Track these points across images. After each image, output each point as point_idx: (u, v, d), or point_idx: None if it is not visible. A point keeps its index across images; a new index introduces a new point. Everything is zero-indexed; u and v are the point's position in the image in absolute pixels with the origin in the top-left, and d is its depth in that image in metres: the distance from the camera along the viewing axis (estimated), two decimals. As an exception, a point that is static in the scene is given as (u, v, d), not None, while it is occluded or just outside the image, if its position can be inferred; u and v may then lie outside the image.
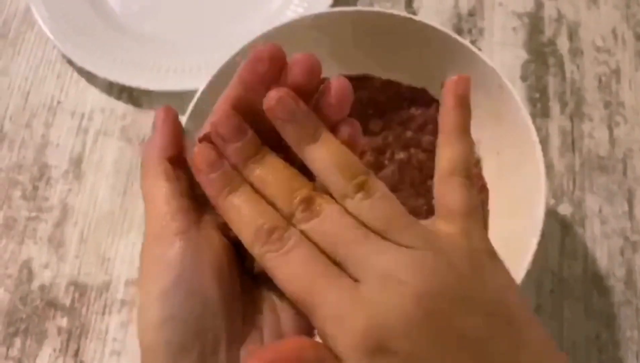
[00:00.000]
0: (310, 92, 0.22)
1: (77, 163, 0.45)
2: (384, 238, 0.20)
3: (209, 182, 0.21)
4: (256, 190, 0.21)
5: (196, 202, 0.22)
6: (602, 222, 0.42)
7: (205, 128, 0.22)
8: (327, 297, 0.19)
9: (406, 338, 0.18)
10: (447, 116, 0.23)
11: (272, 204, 0.21)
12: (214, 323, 0.21)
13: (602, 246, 0.42)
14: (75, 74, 0.47)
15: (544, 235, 0.32)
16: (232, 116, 0.21)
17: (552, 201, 0.43)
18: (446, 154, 0.22)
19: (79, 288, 0.41)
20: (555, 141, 0.44)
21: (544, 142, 0.44)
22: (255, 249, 0.20)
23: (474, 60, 0.36)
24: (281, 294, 0.21)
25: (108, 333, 0.40)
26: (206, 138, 0.22)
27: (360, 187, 0.20)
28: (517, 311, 0.20)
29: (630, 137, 0.44)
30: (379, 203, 0.20)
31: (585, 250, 0.42)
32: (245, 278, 0.23)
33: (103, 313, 0.40)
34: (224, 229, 0.22)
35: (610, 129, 0.45)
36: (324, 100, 0.22)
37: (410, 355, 0.18)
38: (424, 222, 0.22)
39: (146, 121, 0.46)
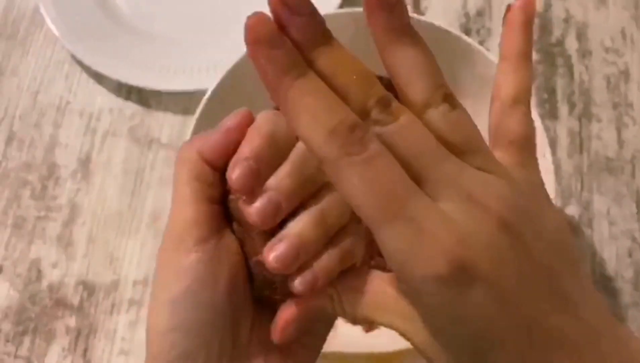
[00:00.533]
0: None
1: (85, 162, 0.45)
2: (461, 156, 0.18)
3: (271, 59, 0.17)
4: (325, 80, 0.18)
5: (222, 212, 0.21)
6: (610, 223, 0.42)
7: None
8: (408, 212, 0.17)
9: (491, 264, 0.17)
10: (512, 40, 0.21)
11: (344, 98, 0.18)
12: (222, 334, 0.20)
13: (610, 247, 0.42)
14: (84, 75, 0.47)
15: None
16: None
17: (560, 202, 0.43)
18: (511, 81, 0.20)
19: (88, 288, 0.41)
20: (563, 142, 0.44)
21: (552, 143, 0.44)
22: (330, 149, 0.17)
23: (482, 61, 0.36)
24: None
25: (116, 333, 0.40)
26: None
27: (447, 98, 0.19)
28: (574, 251, 0.20)
29: (639, 138, 0.44)
30: (463, 120, 0.19)
31: (593, 252, 0.42)
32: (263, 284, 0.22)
33: (111, 313, 0.41)
34: (242, 243, 0.21)
35: (619, 130, 0.45)
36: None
37: (493, 282, 0.17)
38: None
39: (155, 121, 0.46)
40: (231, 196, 0.21)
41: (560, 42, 0.47)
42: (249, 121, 0.21)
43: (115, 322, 0.40)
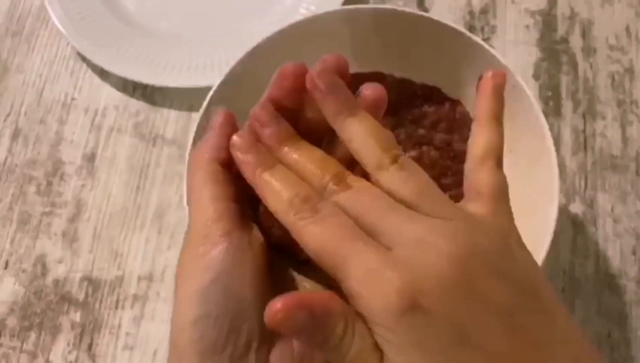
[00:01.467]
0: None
1: (90, 159, 0.45)
2: (414, 208, 0.20)
3: (245, 161, 0.22)
4: (291, 170, 0.22)
5: (242, 206, 0.23)
6: (614, 221, 0.42)
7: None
8: (360, 256, 0.19)
9: (440, 298, 0.18)
10: (483, 104, 0.24)
11: (306, 181, 0.22)
12: (248, 324, 0.21)
13: (614, 245, 0.42)
14: (89, 71, 0.48)
15: (556, 234, 0.32)
16: (270, 106, 0.23)
17: (564, 200, 0.43)
18: (479, 141, 0.23)
19: (93, 283, 0.42)
20: (567, 139, 0.44)
21: (556, 141, 0.44)
22: (289, 217, 0.21)
23: (487, 58, 0.36)
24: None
25: (121, 328, 0.40)
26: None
27: (395, 159, 0.21)
28: (545, 291, 0.21)
29: (644, 136, 0.44)
30: (413, 176, 0.21)
31: (597, 249, 0.42)
32: (283, 282, 0.23)
33: (116, 308, 0.41)
34: (266, 234, 0.23)
35: (623, 127, 0.45)
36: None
37: (443, 315, 0.18)
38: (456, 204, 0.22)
39: (159, 118, 0.46)
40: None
41: (565, 40, 0.47)
42: (231, 116, 0.24)
43: (120, 317, 0.41)
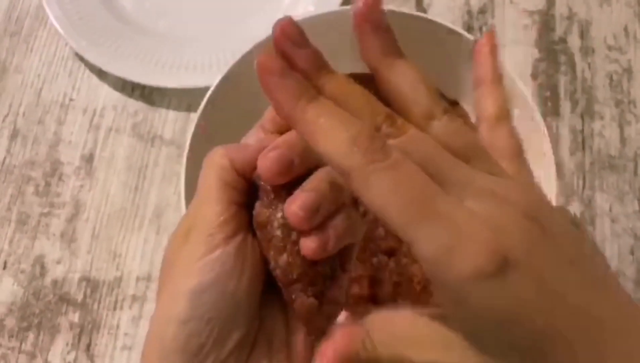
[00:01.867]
0: None
1: (89, 159, 0.45)
2: (468, 163, 0.19)
3: (282, 88, 0.18)
4: (335, 103, 0.19)
5: (248, 212, 0.22)
6: (612, 221, 0.42)
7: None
8: (440, 212, 0.17)
9: (529, 253, 0.17)
10: (483, 65, 0.24)
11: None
12: (238, 331, 0.21)
13: (613, 245, 0.42)
14: (87, 71, 0.48)
15: None
16: (297, 25, 0.20)
17: (562, 200, 0.43)
18: (491, 101, 0.23)
19: (91, 284, 0.42)
20: (565, 139, 0.44)
21: (555, 140, 0.44)
22: (354, 159, 0.17)
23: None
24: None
25: (119, 328, 0.40)
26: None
27: (446, 111, 0.20)
28: (590, 245, 0.21)
29: (642, 136, 0.44)
30: (464, 129, 0.20)
31: (595, 249, 0.42)
32: (268, 289, 0.23)
33: (114, 309, 0.41)
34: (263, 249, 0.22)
35: (621, 127, 0.45)
36: None
37: (535, 271, 0.17)
38: None
39: (158, 118, 0.46)
40: (258, 202, 0.22)
41: (563, 40, 0.47)
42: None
43: (118, 318, 0.41)
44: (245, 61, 0.37)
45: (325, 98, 0.19)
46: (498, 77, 0.24)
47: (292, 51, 0.20)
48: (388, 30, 0.21)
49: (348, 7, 0.38)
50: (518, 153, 0.22)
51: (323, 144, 0.18)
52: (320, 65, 0.20)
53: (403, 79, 0.20)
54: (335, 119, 0.18)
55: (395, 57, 0.20)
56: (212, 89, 0.37)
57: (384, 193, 0.17)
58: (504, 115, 0.23)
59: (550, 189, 0.33)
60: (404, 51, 0.41)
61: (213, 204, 0.21)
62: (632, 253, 0.42)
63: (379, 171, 0.17)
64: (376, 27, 0.20)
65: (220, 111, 0.37)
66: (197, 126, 0.36)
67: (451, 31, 0.36)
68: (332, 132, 0.18)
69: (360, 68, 0.38)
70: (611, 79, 0.46)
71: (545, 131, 0.34)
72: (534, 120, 0.35)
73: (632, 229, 0.42)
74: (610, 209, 0.43)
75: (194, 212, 0.22)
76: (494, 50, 0.24)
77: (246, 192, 0.22)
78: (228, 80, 0.37)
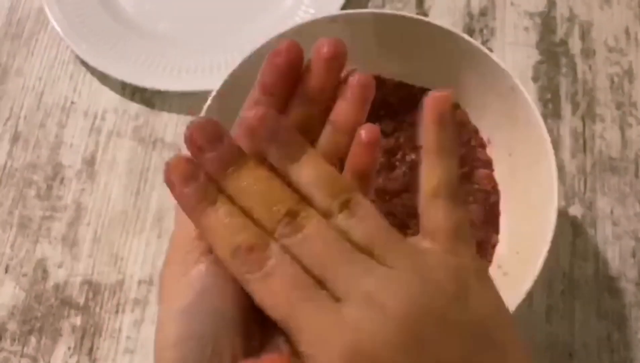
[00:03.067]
0: (334, 78, 0.22)
1: (90, 162, 0.45)
2: (370, 255, 0.20)
3: (183, 197, 0.21)
4: (235, 202, 0.21)
5: None
6: (613, 223, 0.42)
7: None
8: (308, 320, 0.19)
9: (382, 359, 0.18)
10: (427, 135, 0.22)
11: (251, 217, 0.20)
12: (232, 342, 0.21)
13: (614, 247, 0.42)
14: (89, 75, 0.48)
15: (555, 236, 0.33)
16: (208, 122, 0.21)
17: (563, 203, 0.43)
18: (428, 175, 0.22)
19: (93, 287, 0.42)
20: (566, 142, 0.45)
21: (556, 143, 0.44)
22: (234, 269, 0.20)
23: (486, 62, 0.36)
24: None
25: (121, 332, 0.41)
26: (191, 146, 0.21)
27: (345, 205, 0.20)
28: (500, 331, 0.21)
29: (643, 138, 0.45)
30: (363, 222, 0.20)
31: (596, 251, 0.42)
32: None
33: (116, 312, 0.41)
34: None
35: (622, 130, 0.45)
36: (343, 99, 0.22)
37: None
38: (411, 239, 0.22)
39: (159, 121, 0.46)
40: None
41: (564, 42, 0.47)
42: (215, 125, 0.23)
43: (121, 321, 0.41)
44: (246, 64, 0.37)
45: (224, 200, 0.20)
46: (444, 149, 0.22)
47: (197, 156, 0.21)
48: (283, 135, 0.21)
49: (349, 11, 0.38)
50: (452, 232, 0.21)
51: (215, 249, 0.20)
52: (224, 165, 0.21)
53: (302, 181, 0.21)
54: (224, 227, 0.20)
55: (292, 160, 0.21)
56: (213, 93, 0.37)
57: (258, 297, 0.20)
58: (441, 192, 0.22)
59: (551, 193, 0.33)
60: (405, 55, 0.41)
61: (185, 222, 0.21)
62: (633, 255, 0.42)
63: (251, 282, 0.20)
64: (271, 136, 0.21)
65: (222, 115, 0.37)
66: None
67: (451, 35, 0.36)
68: (220, 241, 0.20)
69: (361, 71, 0.38)
70: (612, 81, 0.46)
71: (546, 134, 0.34)
72: (534, 123, 0.35)
73: (633, 231, 0.42)
74: (612, 212, 0.43)
75: (173, 233, 0.22)
76: (443, 117, 0.22)
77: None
78: (230, 84, 0.37)
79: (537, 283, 0.32)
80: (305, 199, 0.21)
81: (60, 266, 0.42)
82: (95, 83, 0.47)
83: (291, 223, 0.20)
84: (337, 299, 0.19)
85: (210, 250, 0.21)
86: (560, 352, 0.39)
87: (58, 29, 0.47)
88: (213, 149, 0.21)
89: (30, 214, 0.44)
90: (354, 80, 0.23)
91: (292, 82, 0.22)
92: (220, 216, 0.20)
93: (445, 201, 0.22)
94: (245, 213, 0.20)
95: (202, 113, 0.37)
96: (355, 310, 0.19)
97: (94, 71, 0.47)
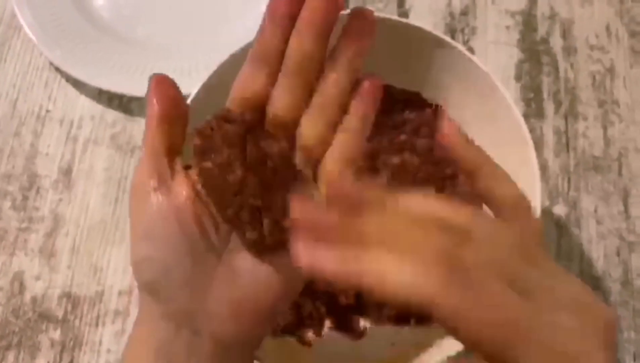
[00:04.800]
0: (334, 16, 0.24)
1: (67, 172, 0.44)
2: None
3: (332, 258, 0.19)
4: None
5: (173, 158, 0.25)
6: (597, 222, 0.43)
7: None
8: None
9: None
10: (470, 159, 0.26)
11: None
12: (192, 244, 0.24)
13: (598, 246, 0.42)
14: (64, 81, 0.47)
15: None
16: (344, 192, 0.21)
17: (547, 202, 0.43)
18: (507, 188, 0.25)
19: (72, 300, 0.41)
20: (549, 141, 0.45)
21: (539, 142, 0.44)
22: (438, 292, 0.18)
23: (465, 63, 0.36)
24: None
25: (102, 345, 0.40)
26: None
27: (467, 237, 0.20)
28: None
29: (625, 136, 0.45)
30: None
31: (581, 251, 0.42)
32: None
33: (96, 325, 0.40)
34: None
35: (605, 128, 0.45)
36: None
37: None
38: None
39: (137, 128, 0.45)
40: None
41: (545, 40, 0.47)
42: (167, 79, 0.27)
43: (101, 334, 0.40)
44: (226, 66, 0.36)
45: (371, 240, 0.19)
46: (487, 161, 0.26)
47: (334, 203, 0.21)
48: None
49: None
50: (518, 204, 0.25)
51: (391, 288, 0.18)
52: (356, 211, 0.20)
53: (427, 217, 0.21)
54: (397, 255, 0.18)
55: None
56: (192, 95, 0.36)
57: (479, 331, 0.18)
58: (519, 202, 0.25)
59: (534, 196, 0.33)
60: (385, 57, 0.41)
61: (144, 159, 0.25)
62: (618, 254, 0.42)
63: (471, 310, 0.18)
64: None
65: (203, 117, 0.36)
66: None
67: (433, 36, 0.36)
68: (400, 267, 0.18)
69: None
70: (594, 79, 0.46)
71: (529, 136, 0.34)
72: (516, 125, 0.35)
73: (617, 230, 0.42)
74: (596, 211, 0.43)
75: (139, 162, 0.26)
76: (462, 141, 0.25)
77: (178, 133, 0.26)
78: (210, 86, 0.36)
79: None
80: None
81: (38, 278, 0.42)
82: (71, 90, 0.47)
83: (456, 235, 0.20)
84: (528, 294, 0.20)
85: (156, 187, 0.24)
86: (546, 353, 0.39)
87: (31, 34, 0.46)
88: (357, 214, 0.20)
89: (6, 226, 0.43)
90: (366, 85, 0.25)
91: (296, 14, 0.24)
92: (383, 247, 0.19)
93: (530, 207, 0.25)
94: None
95: None
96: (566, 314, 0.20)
97: (69, 78, 0.47)
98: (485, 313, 0.18)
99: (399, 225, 0.20)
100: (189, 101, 0.36)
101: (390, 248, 0.19)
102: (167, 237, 0.24)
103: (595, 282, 0.41)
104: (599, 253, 0.42)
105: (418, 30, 0.36)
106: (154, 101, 0.27)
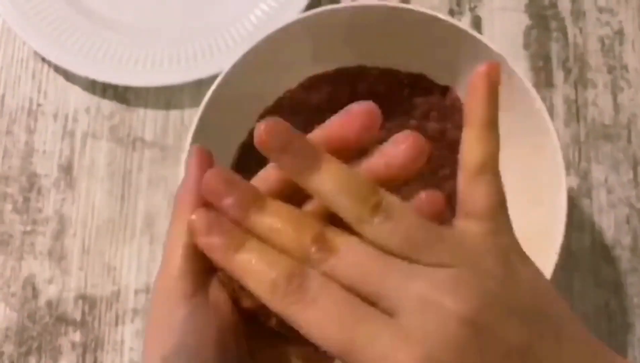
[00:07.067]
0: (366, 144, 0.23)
1: (67, 169, 0.45)
2: (411, 261, 0.20)
3: (211, 246, 0.22)
4: (263, 241, 0.22)
5: (209, 262, 0.23)
6: (608, 191, 0.45)
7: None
8: (369, 342, 0.19)
9: (457, 360, 0.19)
10: (478, 108, 0.22)
11: (283, 252, 0.21)
12: None
13: (609, 216, 0.45)
14: (52, 72, 0.47)
15: None
16: (219, 171, 0.22)
17: (558, 174, 0.45)
18: (476, 150, 0.22)
19: (88, 301, 0.43)
20: (560, 111, 0.47)
21: (549, 113, 0.45)
22: (276, 304, 0.20)
23: (477, 45, 0.37)
24: (305, 348, 0.22)
25: (124, 344, 0.42)
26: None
27: (376, 209, 0.21)
28: (551, 304, 0.21)
29: (634, 101, 0.47)
30: (400, 224, 0.21)
31: (592, 221, 0.45)
32: (267, 337, 0.24)
33: (116, 324, 0.43)
34: (233, 293, 0.23)
35: (614, 95, 0.47)
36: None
37: None
38: (450, 228, 0.22)
39: (136, 118, 0.46)
40: None
41: (554, 4, 0.48)
42: (207, 156, 0.24)
43: (122, 333, 0.43)
44: (242, 63, 0.37)
45: (252, 240, 0.22)
46: (492, 122, 0.22)
47: (217, 204, 0.22)
48: (295, 145, 0.21)
49: (331, 6, 0.39)
50: (496, 210, 0.22)
51: (253, 289, 0.21)
52: (248, 204, 0.22)
53: (324, 192, 0.21)
54: (257, 264, 0.21)
55: (310, 171, 0.21)
56: (196, 120, 0.36)
57: (312, 330, 0.20)
58: (488, 167, 0.22)
59: (559, 179, 0.34)
60: (389, 43, 0.41)
61: (173, 256, 0.23)
62: (627, 222, 0.45)
63: (300, 312, 0.20)
64: (283, 146, 0.21)
65: (223, 107, 0.37)
66: (196, 132, 0.36)
67: (435, 19, 0.37)
68: (256, 280, 0.21)
69: (347, 62, 0.40)
70: (603, 43, 0.48)
71: (550, 121, 0.36)
72: (536, 109, 0.36)
73: (627, 198, 0.45)
74: (606, 180, 0.46)
75: (156, 275, 0.23)
76: (493, 87, 0.22)
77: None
78: (236, 71, 0.36)
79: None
80: (332, 214, 0.21)
81: (50, 282, 0.43)
82: (61, 81, 0.47)
83: (322, 248, 0.21)
84: (391, 313, 0.20)
85: (192, 293, 0.22)
86: (560, 323, 0.43)
87: (11, 23, 0.46)
88: (231, 194, 0.22)
89: (10, 230, 0.44)
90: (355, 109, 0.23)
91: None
92: (252, 255, 0.21)
93: (490, 177, 0.22)
94: (277, 249, 0.21)
95: (198, 117, 0.36)
96: (412, 319, 0.19)
97: (57, 68, 0.47)
98: (312, 323, 0.20)
99: (282, 226, 0.22)
100: (194, 126, 0.36)
101: (256, 257, 0.21)
102: (198, 356, 0.21)
103: (606, 252, 0.44)
104: (609, 222, 0.45)
105: (419, 14, 0.37)
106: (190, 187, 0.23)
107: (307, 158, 0.21)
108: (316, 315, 0.20)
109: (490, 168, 0.22)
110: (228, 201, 0.22)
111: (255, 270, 0.21)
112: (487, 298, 0.20)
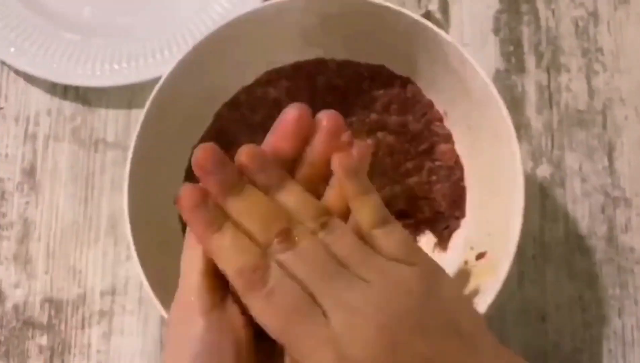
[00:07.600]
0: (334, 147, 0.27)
1: (30, 172, 0.46)
2: (349, 269, 0.25)
3: (193, 221, 0.25)
4: (237, 224, 0.25)
5: (224, 280, 0.25)
6: (582, 180, 0.45)
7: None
8: (303, 336, 0.23)
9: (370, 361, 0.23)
10: (347, 187, 0.26)
11: (252, 238, 0.25)
12: None
13: (583, 205, 0.44)
14: (12, 74, 0.47)
15: (524, 201, 0.33)
16: (214, 149, 0.25)
17: (531, 163, 0.45)
18: (361, 215, 0.26)
19: (54, 304, 0.44)
20: (532, 97, 0.46)
21: (520, 100, 0.46)
22: (239, 287, 0.24)
23: (433, 37, 0.36)
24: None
25: (91, 346, 0.43)
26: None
27: (324, 226, 0.25)
28: (467, 323, 0.25)
29: (609, 86, 0.46)
30: (340, 240, 0.25)
31: (566, 211, 0.44)
32: (267, 347, 0.25)
33: (83, 327, 0.43)
34: (246, 309, 0.25)
35: (589, 79, 0.46)
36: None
37: None
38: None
39: (98, 119, 0.46)
40: None
41: (525, -14, 0.47)
42: (220, 156, 0.26)
43: (88, 336, 0.43)
44: (194, 54, 0.36)
45: (228, 226, 0.25)
46: (364, 187, 0.26)
47: (203, 178, 0.25)
48: (268, 168, 0.26)
49: (269, 2, 0.38)
50: (403, 250, 0.26)
51: (222, 268, 0.25)
52: (231, 186, 0.25)
53: (289, 205, 0.26)
54: (230, 249, 0.24)
55: (278, 188, 0.26)
56: (144, 114, 0.36)
57: (260, 314, 0.24)
58: (380, 223, 0.26)
59: (515, 170, 0.34)
60: (349, 35, 0.41)
61: (191, 277, 0.26)
62: (602, 211, 0.44)
63: (255, 299, 0.24)
64: (260, 169, 0.26)
65: (169, 106, 0.37)
66: (143, 128, 0.36)
67: (386, 9, 0.36)
68: (227, 262, 0.24)
69: (305, 55, 0.39)
70: (577, 25, 0.47)
71: (505, 108, 0.35)
72: (491, 97, 0.35)
73: (602, 186, 0.44)
74: (580, 168, 0.45)
75: (176, 294, 0.26)
76: (352, 169, 0.26)
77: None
78: (177, 72, 0.36)
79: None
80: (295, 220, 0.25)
81: (16, 286, 0.44)
82: (21, 83, 0.47)
83: (285, 240, 0.24)
84: (326, 315, 0.23)
85: (209, 308, 0.25)
86: (533, 316, 0.43)
87: (-31, 26, 0.46)
88: (217, 172, 0.25)
89: (-24, 235, 0.45)
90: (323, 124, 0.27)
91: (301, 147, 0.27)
92: (226, 239, 0.25)
93: (385, 229, 0.26)
94: (248, 235, 0.25)
95: (147, 105, 0.36)
96: (340, 324, 0.23)
97: (17, 71, 0.47)
98: (265, 311, 0.24)
99: (254, 212, 0.25)
100: (141, 120, 0.36)
101: (229, 242, 0.25)
102: None
103: (580, 242, 0.44)
104: (584, 211, 0.44)
105: (379, 6, 0.36)
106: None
107: (275, 179, 0.26)
108: (269, 306, 0.23)
109: (381, 222, 0.26)
110: (212, 179, 0.25)
111: (227, 253, 0.24)
112: (405, 314, 0.24)
